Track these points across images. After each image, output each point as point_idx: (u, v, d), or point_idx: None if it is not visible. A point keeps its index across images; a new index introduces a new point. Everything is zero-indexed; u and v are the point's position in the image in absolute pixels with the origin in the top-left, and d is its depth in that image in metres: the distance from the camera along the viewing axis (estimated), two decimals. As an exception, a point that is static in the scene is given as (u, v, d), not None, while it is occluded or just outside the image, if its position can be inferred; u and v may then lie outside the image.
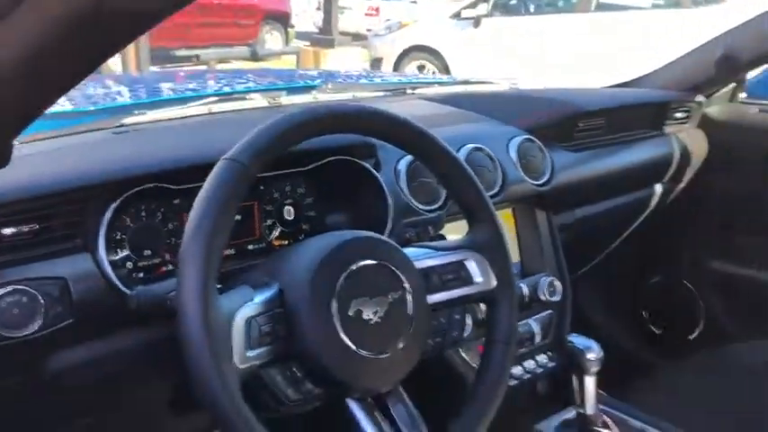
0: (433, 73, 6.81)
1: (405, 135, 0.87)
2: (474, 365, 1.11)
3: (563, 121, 1.42)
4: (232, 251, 0.98)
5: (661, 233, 1.83)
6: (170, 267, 0.92)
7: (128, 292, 0.82)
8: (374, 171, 1.07)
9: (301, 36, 12.22)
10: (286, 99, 1.39)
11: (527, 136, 1.31)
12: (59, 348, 0.82)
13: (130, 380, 0.92)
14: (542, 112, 1.42)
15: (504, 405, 1.15)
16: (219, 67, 6.30)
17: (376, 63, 7.36)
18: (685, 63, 1.68)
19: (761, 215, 1.71)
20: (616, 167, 1.53)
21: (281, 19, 11.02)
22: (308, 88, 1.49)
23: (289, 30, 11.23)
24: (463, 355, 1.12)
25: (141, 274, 0.89)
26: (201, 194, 0.70)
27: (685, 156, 1.68)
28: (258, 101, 1.36)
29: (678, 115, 1.67)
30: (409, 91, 1.62)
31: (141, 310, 0.79)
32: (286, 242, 1.05)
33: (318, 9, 14.46)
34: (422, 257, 0.88)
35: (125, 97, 1.49)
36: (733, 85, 1.74)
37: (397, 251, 0.84)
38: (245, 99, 1.36)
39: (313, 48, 7.63)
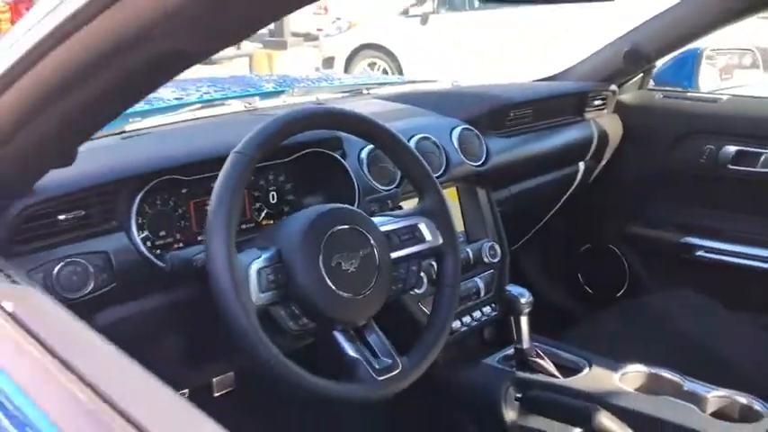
0: (384, 70, 6.98)
1: (369, 130, 1.12)
2: (428, 313, 1.35)
3: (496, 112, 1.65)
4: None
5: (588, 206, 2.04)
6: (180, 245, 1.15)
7: (157, 262, 1.05)
8: (342, 159, 1.31)
9: (253, 38, 12.30)
10: (260, 103, 1.61)
11: (466, 126, 1.55)
12: (105, 307, 1.04)
13: (157, 333, 1.14)
14: (478, 105, 1.64)
15: (457, 348, 1.40)
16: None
17: (328, 62, 7.48)
18: (599, 57, 1.91)
19: (669, 185, 1.96)
20: (543, 149, 1.76)
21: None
22: (277, 93, 1.71)
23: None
24: (420, 305, 1.36)
25: (159, 251, 1.12)
26: (220, 180, 0.93)
27: (603, 137, 1.91)
28: (236, 105, 1.58)
29: (596, 103, 1.91)
30: (365, 91, 1.85)
31: (174, 269, 1.02)
32: (271, 221, 1.28)
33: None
34: (384, 223, 1.12)
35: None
36: (641, 74, 1.97)
37: (365, 218, 1.08)
38: (224, 105, 1.58)
39: (266, 50, 7.73)
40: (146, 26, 0.56)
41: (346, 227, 1.03)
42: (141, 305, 1.08)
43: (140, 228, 1.08)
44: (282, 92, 1.73)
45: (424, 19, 6.84)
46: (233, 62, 7.84)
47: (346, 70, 7.14)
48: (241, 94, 1.66)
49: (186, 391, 1.33)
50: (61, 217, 0.99)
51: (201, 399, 1.34)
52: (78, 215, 1.01)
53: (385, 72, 6.90)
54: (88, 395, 0.52)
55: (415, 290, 1.30)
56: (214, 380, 1.41)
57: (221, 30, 0.59)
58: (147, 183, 1.07)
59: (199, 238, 1.16)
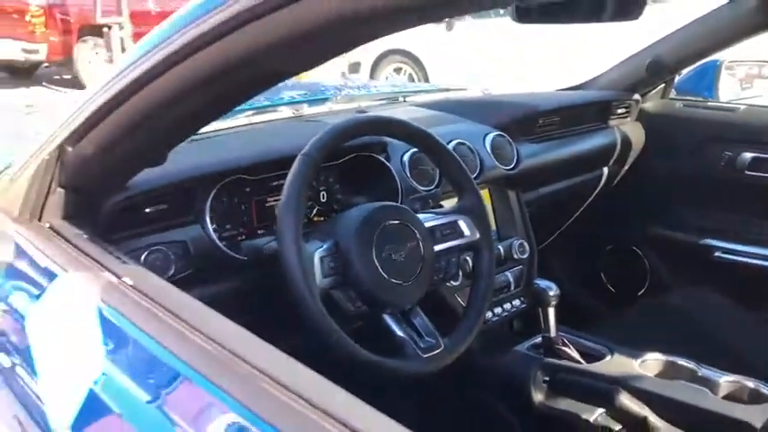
0: (410, 76, 7.08)
1: (416, 136, 1.25)
2: (463, 304, 1.47)
3: (526, 120, 1.78)
4: None
5: (611, 208, 2.14)
6: (242, 237, 1.28)
7: (226, 251, 1.19)
8: (386, 162, 1.44)
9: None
10: (307, 110, 1.75)
11: (498, 132, 1.68)
12: (183, 290, 1.18)
13: (228, 312, 1.28)
14: (509, 113, 1.77)
15: (489, 336, 1.52)
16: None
17: (354, 67, 7.56)
18: (623, 68, 2.02)
19: (690, 190, 2.05)
20: (570, 154, 1.87)
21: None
22: (322, 100, 1.85)
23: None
24: (456, 296, 1.49)
25: (224, 243, 1.25)
26: (289, 179, 1.06)
27: (626, 144, 2.02)
28: (285, 112, 1.72)
29: (619, 111, 2.01)
30: (401, 99, 1.99)
31: (248, 256, 1.16)
32: (322, 218, 1.41)
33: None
34: (428, 219, 1.26)
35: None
36: (663, 84, 2.07)
37: (412, 214, 1.21)
38: (275, 111, 1.72)
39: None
40: (252, 53, 0.69)
41: (396, 222, 1.16)
42: (212, 289, 1.21)
43: (211, 221, 1.22)
44: (327, 99, 1.87)
45: (450, 25, 6.91)
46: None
47: (372, 75, 7.24)
48: (289, 101, 1.79)
49: None
50: (147, 210, 1.13)
51: None
52: (161, 208, 1.15)
53: (411, 78, 7.00)
54: (214, 347, 0.66)
55: (452, 282, 1.43)
56: None
57: (314, 53, 0.71)
58: (218, 182, 1.21)
59: (259, 232, 1.29)
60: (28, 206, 1.02)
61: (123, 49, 6.26)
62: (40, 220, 1.01)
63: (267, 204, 1.31)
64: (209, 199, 1.20)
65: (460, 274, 1.44)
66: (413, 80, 6.85)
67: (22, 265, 1.03)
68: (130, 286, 0.80)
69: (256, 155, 1.28)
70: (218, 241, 1.19)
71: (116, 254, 0.93)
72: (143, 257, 1.11)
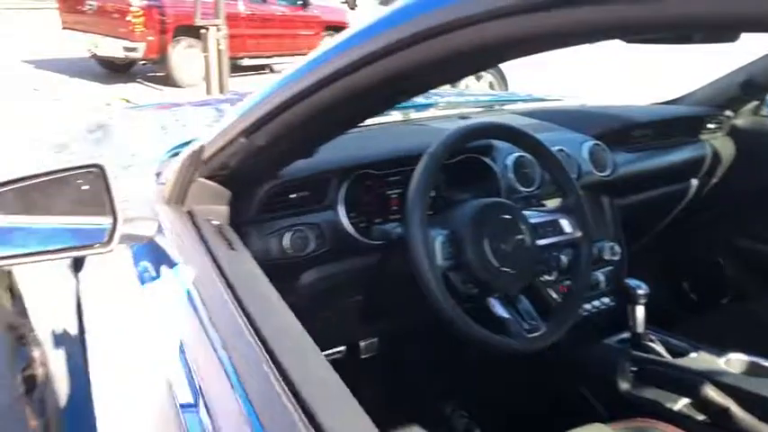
0: (490, 83, 7.17)
1: (526, 142, 1.39)
2: (556, 297, 1.59)
3: (622, 130, 1.88)
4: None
5: (698, 218, 2.21)
6: (364, 224, 1.44)
7: (355, 234, 1.35)
8: (492, 163, 1.58)
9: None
10: (414, 114, 1.91)
11: (595, 141, 1.80)
12: (315, 266, 1.35)
13: (346, 289, 1.45)
14: (606, 123, 1.88)
15: (582, 331, 1.64)
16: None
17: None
18: (716, 85, 2.10)
19: None
20: (661, 165, 1.96)
21: (340, 30, 11.41)
22: (427, 106, 2.01)
23: (347, 40, 11.71)
24: (550, 291, 1.61)
25: (353, 227, 1.41)
26: (417, 174, 1.22)
27: (716, 157, 2.09)
28: (396, 115, 1.87)
29: (711, 126, 2.09)
30: (497, 107, 2.13)
31: (378, 239, 1.32)
32: (430, 212, 1.56)
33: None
34: (532, 216, 1.39)
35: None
36: (756, 102, 2.14)
37: (519, 210, 1.35)
38: (388, 114, 1.87)
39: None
40: (407, 71, 0.79)
41: (507, 216, 1.31)
42: (340, 266, 1.39)
43: (343, 208, 1.38)
44: (431, 105, 2.02)
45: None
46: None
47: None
48: (400, 106, 1.95)
49: (343, 348, 1.63)
50: (292, 195, 1.31)
51: (352, 357, 1.65)
52: (303, 195, 1.33)
53: (491, 85, 7.09)
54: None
55: (546, 276, 1.56)
56: (361, 343, 1.70)
57: (461, 71, 0.86)
58: (350, 174, 1.38)
59: (376, 221, 1.45)
60: (175, 191, 1.16)
61: (219, 51, 6.56)
62: (182, 204, 1.15)
63: (386, 196, 1.47)
64: (343, 188, 1.37)
65: (556, 270, 1.57)
66: (492, 88, 6.93)
67: (155, 243, 1.16)
68: (221, 273, 0.94)
69: (381, 153, 1.45)
70: (348, 225, 1.36)
71: (231, 241, 1.07)
72: (287, 236, 1.28)
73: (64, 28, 9.50)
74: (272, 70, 6.90)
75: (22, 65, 10.09)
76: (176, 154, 1.38)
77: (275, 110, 0.97)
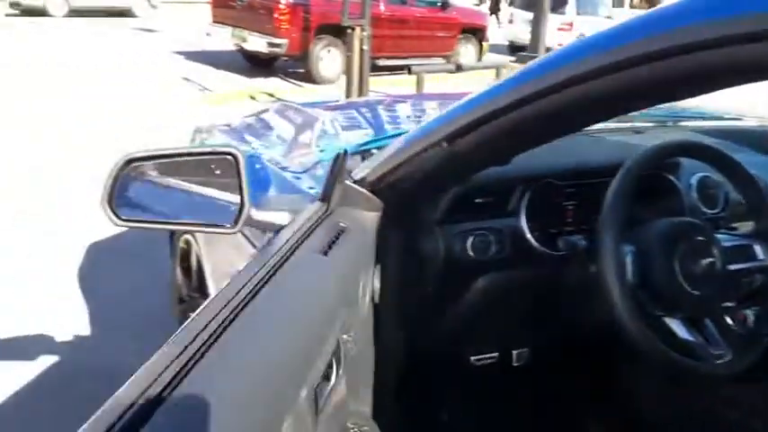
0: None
1: (723, 161, 1.34)
2: (732, 324, 1.50)
3: None
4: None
5: None
6: (537, 233, 1.43)
7: (533, 243, 1.35)
8: (677, 182, 1.53)
9: (492, 49, 12.63)
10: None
11: None
12: (490, 271, 1.36)
13: (513, 297, 1.45)
14: None
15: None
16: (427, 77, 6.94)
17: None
18: None
19: None
20: None
21: (477, 33, 11.52)
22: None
23: (483, 43, 11.63)
24: (727, 318, 1.53)
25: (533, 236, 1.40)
26: (614, 187, 1.19)
27: None
28: None
29: None
30: (671, 123, 2.04)
31: (561, 249, 1.32)
32: None
33: (511, 22, 14.75)
34: (724, 240, 1.33)
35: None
36: None
37: (712, 233, 1.30)
38: None
39: (519, 64, 7.99)
40: (645, 85, 0.80)
41: (700, 238, 1.26)
42: (513, 274, 1.38)
43: (525, 216, 1.38)
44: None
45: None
46: (483, 72, 8.27)
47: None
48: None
49: (496, 354, 1.62)
50: (477, 200, 1.33)
51: (505, 364, 1.63)
52: (488, 200, 1.34)
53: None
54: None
55: (728, 302, 1.48)
56: (514, 352, 1.69)
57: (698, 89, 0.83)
58: (534, 183, 1.37)
59: (551, 231, 1.43)
60: (324, 191, 1.17)
61: (362, 50, 6.71)
62: (327, 204, 1.14)
63: (563, 207, 1.45)
64: (527, 197, 1.37)
65: (740, 295, 1.49)
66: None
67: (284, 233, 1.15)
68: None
69: (564, 164, 1.43)
70: (528, 233, 1.36)
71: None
72: (470, 238, 1.30)
73: (214, 22, 10.07)
74: (410, 71, 6.91)
75: (173, 56, 10.79)
76: (361, 152, 1.44)
77: (482, 119, 0.98)
